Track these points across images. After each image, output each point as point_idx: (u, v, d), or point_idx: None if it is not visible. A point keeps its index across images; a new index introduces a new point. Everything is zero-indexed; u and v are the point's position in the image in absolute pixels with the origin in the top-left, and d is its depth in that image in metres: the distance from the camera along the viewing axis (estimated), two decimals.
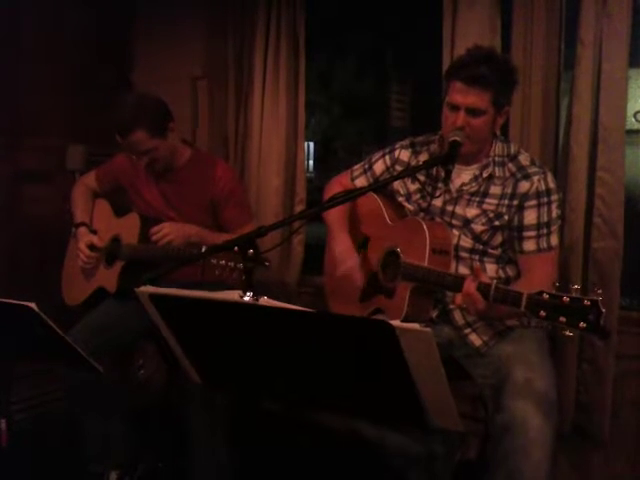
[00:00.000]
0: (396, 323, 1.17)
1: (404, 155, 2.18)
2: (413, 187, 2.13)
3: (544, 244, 1.95)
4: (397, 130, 3.94)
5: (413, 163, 2.15)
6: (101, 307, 2.42)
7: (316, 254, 2.52)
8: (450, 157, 1.89)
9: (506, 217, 1.97)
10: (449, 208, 2.04)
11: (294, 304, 1.31)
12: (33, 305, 1.59)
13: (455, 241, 2.01)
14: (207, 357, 1.49)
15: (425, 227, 1.95)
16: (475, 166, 2.02)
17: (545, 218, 1.95)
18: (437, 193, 2.05)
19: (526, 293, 1.60)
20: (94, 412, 2.31)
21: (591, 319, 1.48)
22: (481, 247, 2.01)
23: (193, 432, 2.25)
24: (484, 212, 1.99)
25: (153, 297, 1.40)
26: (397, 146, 2.21)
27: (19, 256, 3.01)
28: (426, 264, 1.91)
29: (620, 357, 2.36)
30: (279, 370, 1.39)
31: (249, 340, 1.37)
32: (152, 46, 3.31)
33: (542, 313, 1.54)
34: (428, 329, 1.18)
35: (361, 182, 2.28)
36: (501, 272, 2.03)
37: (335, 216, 2.23)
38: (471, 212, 2.00)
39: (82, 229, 2.52)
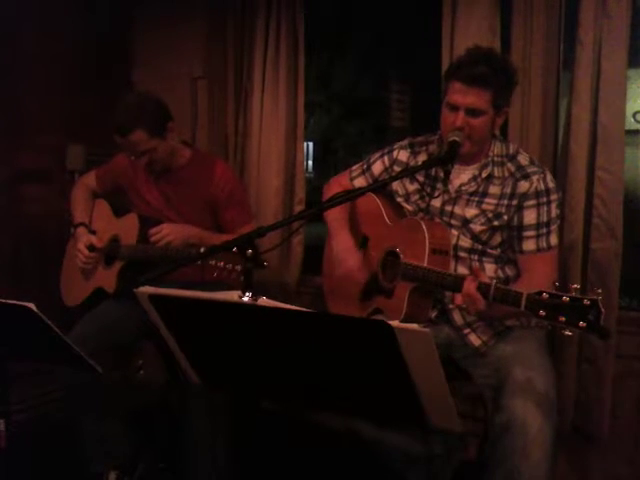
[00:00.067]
0: (395, 323, 1.17)
1: (402, 155, 2.18)
2: (412, 187, 2.13)
3: (544, 244, 1.95)
4: (397, 130, 3.94)
5: (412, 163, 2.15)
6: (100, 307, 2.42)
7: (315, 254, 2.52)
8: (449, 157, 1.89)
9: (505, 217, 1.97)
10: (448, 208, 2.04)
11: (293, 304, 1.32)
12: (32, 306, 1.59)
13: (454, 241, 2.01)
14: (206, 357, 1.49)
15: (424, 227, 1.95)
16: (474, 166, 2.02)
17: (545, 218, 1.95)
18: (436, 193, 2.05)
19: (526, 293, 1.60)
20: (93, 412, 2.31)
21: (591, 319, 1.48)
22: (480, 247, 2.01)
23: (192, 432, 2.25)
24: (483, 212, 1.99)
25: (152, 298, 1.40)
26: (395, 146, 2.21)
27: (19, 256, 3.01)
28: (425, 264, 1.91)
29: (620, 357, 2.36)
30: (278, 370, 1.39)
31: (248, 340, 1.37)
32: (152, 46, 3.31)
33: (542, 312, 1.55)
34: (427, 329, 1.18)
35: (360, 182, 2.28)
36: (500, 272, 2.03)
37: (335, 215, 2.23)
38: (470, 212, 2.00)
39: (81, 229, 2.52)
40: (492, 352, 1.97)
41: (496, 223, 1.98)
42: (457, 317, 2.01)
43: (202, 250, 1.76)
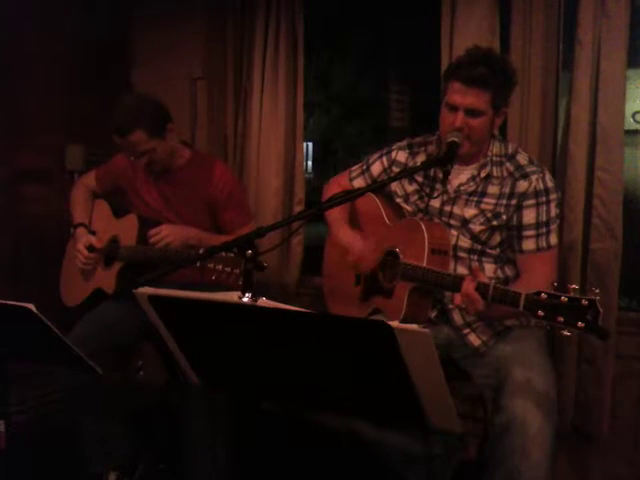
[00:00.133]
0: (395, 324, 1.17)
1: (401, 156, 2.18)
2: (411, 188, 2.13)
3: (543, 243, 1.96)
4: (396, 130, 3.94)
5: (410, 164, 2.15)
6: (100, 308, 2.42)
7: (315, 255, 2.52)
8: (448, 158, 1.89)
9: (504, 217, 1.98)
10: (447, 208, 2.04)
11: (293, 305, 1.32)
12: (32, 306, 1.59)
13: (454, 241, 2.01)
14: (206, 358, 1.49)
15: (424, 227, 1.95)
16: (473, 166, 2.02)
17: (544, 217, 1.95)
18: (435, 194, 2.05)
19: (524, 293, 1.60)
20: (93, 413, 2.31)
21: (589, 319, 1.48)
22: (479, 247, 2.01)
23: (192, 433, 2.25)
24: (482, 212, 1.99)
25: (152, 298, 1.40)
26: (394, 147, 2.21)
27: (19, 256, 3.00)
28: (425, 264, 1.91)
29: (619, 357, 2.36)
30: (278, 371, 1.39)
31: (248, 341, 1.37)
32: (151, 46, 3.30)
33: (540, 313, 1.55)
34: (427, 330, 1.18)
35: (359, 183, 2.28)
36: (499, 272, 2.03)
37: (336, 215, 2.23)
38: (469, 212, 2.00)
39: (81, 230, 2.52)
40: (492, 352, 1.97)
41: (495, 223, 1.98)
42: (457, 317, 2.02)
43: (201, 251, 1.76)
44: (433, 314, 2.05)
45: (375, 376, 1.28)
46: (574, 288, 1.53)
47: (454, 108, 1.91)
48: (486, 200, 1.99)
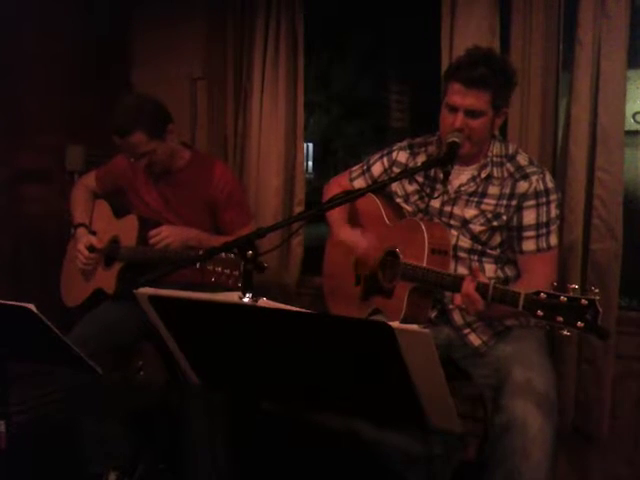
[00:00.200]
0: (395, 324, 1.17)
1: (402, 157, 2.18)
2: (411, 188, 2.13)
3: (543, 244, 1.96)
4: (396, 131, 3.94)
5: (411, 164, 2.15)
6: (100, 308, 2.42)
7: (315, 255, 2.52)
8: (449, 158, 1.89)
9: (504, 217, 1.98)
10: (447, 209, 2.04)
11: (293, 305, 1.32)
12: (32, 306, 1.59)
13: (454, 241, 2.01)
14: (206, 358, 1.49)
15: (424, 227, 1.95)
16: (473, 166, 2.02)
17: (544, 218, 1.95)
18: (435, 194, 2.05)
19: (523, 293, 1.60)
20: (93, 413, 2.31)
21: (589, 318, 1.48)
22: (480, 247, 2.01)
23: (192, 433, 2.25)
24: (482, 212, 1.99)
25: (152, 299, 1.40)
26: (395, 148, 2.21)
27: (19, 256, 3.01)
28: (425, 264, 1.91)
29: (619, 357, 2.36)
30: (278, 371, 1.39)
31: (248, 341, 1.37)
32: (151, 46, 3.30)
33: (539, 312, 1.55)
34: (427, 330, 1.18)
35: (359, 183, 2.28)
36: (500, 272, 2.03)
37: (336, 215, 2.24)
38: (469, 212, 2.00)
39: (81, 230, 2.53)
40: (492, 352, 1.97)
41: (495, 223, 1.99)
42: (457, 317, 2.02)
43: (201, 252, 1.76)
44: (433, 314, 2.05)
45: (375, 376, 1.28)
46: (574, 288, 1.53)
47: (454, 109, 1.91)
48: (486, 201, 1.99)
